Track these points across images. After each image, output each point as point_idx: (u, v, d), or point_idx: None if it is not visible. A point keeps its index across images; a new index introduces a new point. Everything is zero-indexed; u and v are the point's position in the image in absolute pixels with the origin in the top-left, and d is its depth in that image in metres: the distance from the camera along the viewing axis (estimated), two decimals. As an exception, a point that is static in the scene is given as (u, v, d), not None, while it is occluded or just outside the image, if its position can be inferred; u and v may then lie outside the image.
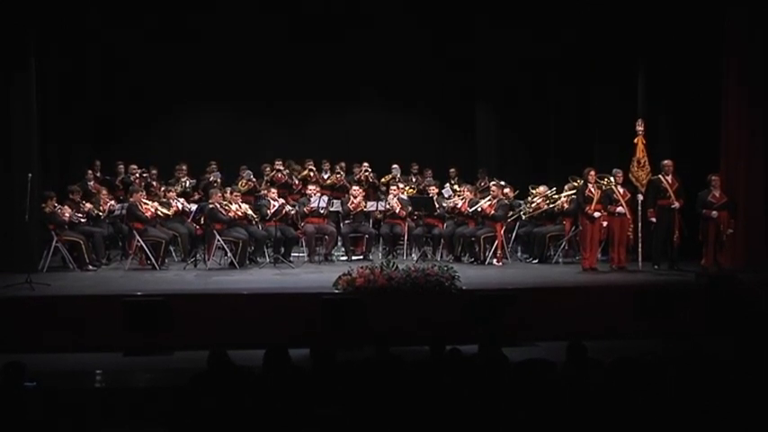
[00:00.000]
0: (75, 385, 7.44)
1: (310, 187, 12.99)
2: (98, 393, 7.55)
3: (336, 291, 9.48)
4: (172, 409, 5.39)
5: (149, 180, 13.74)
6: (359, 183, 13.95)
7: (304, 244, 12.61)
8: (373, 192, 14.23)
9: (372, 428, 4.98)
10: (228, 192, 12.38)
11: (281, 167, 14.29)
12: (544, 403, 4.90)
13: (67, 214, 11.42)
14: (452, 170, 14.91)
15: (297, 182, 14.26)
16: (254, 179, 13.99)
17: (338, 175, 14.43)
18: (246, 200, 12.79)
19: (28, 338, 8.68)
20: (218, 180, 13.71)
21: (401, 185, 13.70)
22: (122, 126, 15.41)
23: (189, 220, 12.31)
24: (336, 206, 12.78)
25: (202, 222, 12.07)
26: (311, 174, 14.34)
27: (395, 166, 14.72)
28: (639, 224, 11.36)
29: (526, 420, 4.84)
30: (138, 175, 13.70)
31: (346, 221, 12.81)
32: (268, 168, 14.40)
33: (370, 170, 14.47)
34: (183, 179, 13.73)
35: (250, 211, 12.11)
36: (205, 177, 14.07)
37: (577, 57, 14.15)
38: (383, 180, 14.64)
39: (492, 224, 12.09)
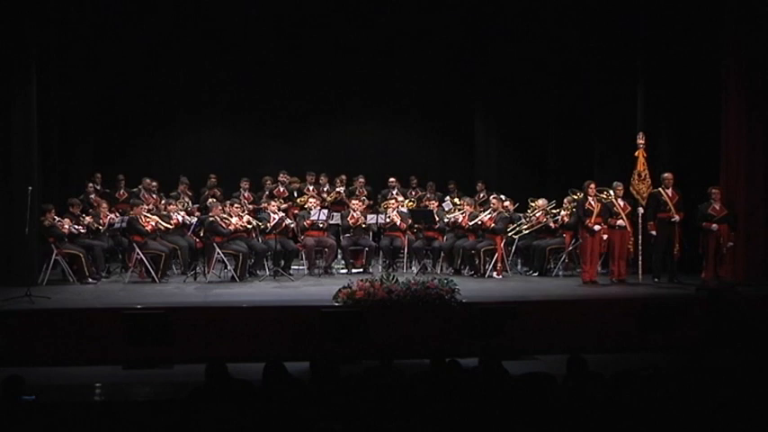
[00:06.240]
0: (75, 399, 7.42)
1: (310, 200, 12.99)
2: (97, 407, 7.52)
3: (336, 304, 9.45)
4: (171, 423, 5.37)
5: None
6: (358, 197, 13.89)
7: (304, 257, 12.60)
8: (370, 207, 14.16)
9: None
10: (228, 205, 12.38)
11: (283, 180, 14.27)
12: (544, 417, 4.88)
13: (66, 226, 11.42)
14: (451, 185, 14.86)
15: (295, 195, 14.27)
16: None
17: (338, 192, 14.38)
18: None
19: (27, 352, 8.68)
20: (218, 193, 13.73)
21: (400, 199, 13.67)
22: (123, 139, 15.42)
23: (189, 233, 12.32)
24: (336, 219, 12.78)
25: (202, 235, 12.08)
26: (310, 189, 14.27)
27: (392, 179, 14.63)
28: (640, 237, 11.36)
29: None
30: (140, 188, 13.67)
31: (346, 234, 12.80)
32: (269, 181, 14.39)
33: (365, 192, 14.35)
34: (184, 195, 13.73)
35: (253, 221, 12.10)
36: (205, 191, 14.08)
37: (577, 69, 14.19)
38: (380, 197, 14.54)
39: (492, 237, 12.09)
